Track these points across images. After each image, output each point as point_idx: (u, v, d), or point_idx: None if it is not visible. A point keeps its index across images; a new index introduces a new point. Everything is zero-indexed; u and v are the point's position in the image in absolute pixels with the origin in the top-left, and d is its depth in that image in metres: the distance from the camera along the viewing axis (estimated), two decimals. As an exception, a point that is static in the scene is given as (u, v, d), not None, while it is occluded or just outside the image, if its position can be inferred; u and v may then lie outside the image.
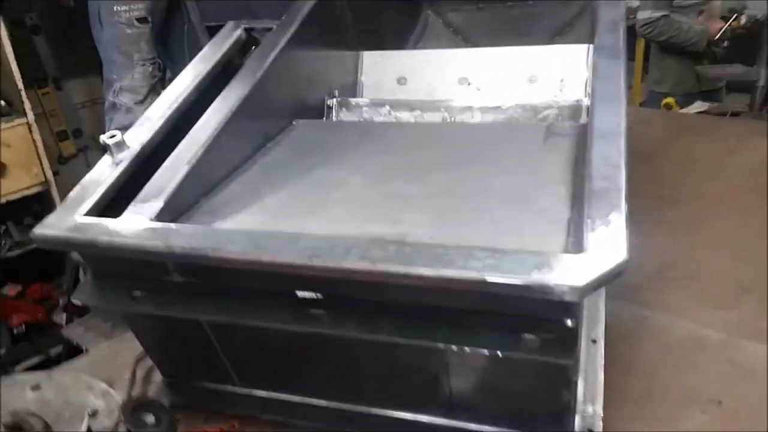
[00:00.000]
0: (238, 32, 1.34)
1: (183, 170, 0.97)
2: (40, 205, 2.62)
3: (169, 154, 1.03)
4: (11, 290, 2.57)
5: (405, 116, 1.43)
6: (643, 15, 3.11)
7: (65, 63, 3.05)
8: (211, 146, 1.03)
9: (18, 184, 2.46)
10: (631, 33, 3.94)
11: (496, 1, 2.14)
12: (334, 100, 1.49)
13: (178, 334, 0.97)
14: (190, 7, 1.96)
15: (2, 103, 2.45)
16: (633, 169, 2.08)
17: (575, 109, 1.31)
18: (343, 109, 1.49)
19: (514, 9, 2.15)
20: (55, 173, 2.62)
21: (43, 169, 2.53)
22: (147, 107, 2.16)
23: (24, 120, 2.46)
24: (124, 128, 2.19)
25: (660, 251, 1.50)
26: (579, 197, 0.85)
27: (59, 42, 2.99)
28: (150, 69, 2.18)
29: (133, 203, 0.92)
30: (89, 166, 2.97)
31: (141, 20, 2.13)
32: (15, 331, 2.45)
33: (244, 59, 1.33)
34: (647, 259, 1.48)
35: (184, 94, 1.16)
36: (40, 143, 2.50)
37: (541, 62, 1.51)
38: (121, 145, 1.03)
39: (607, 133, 0.84)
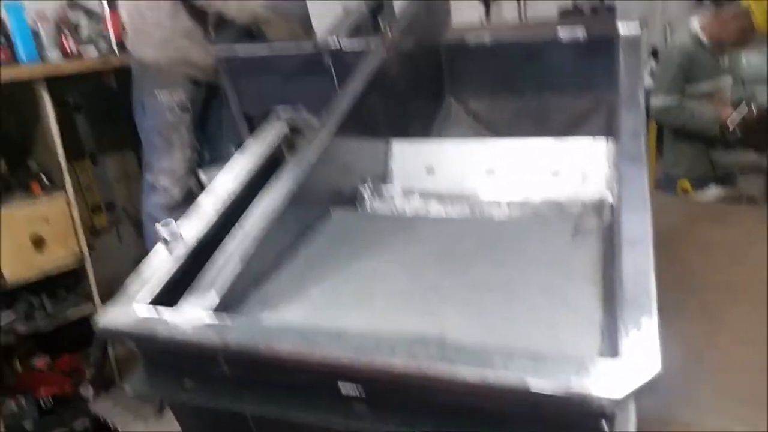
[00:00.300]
0: (281, 125, 1.43)
1: (236, 264, 1.03)
2: (73, 278, 2.70)
3: (218, 245, 1.10)
4: (40, 362, 2.61)
5: (434, 207, 1.49)
6: (656, 102, 3.23)
7: (102, 139, 3.21)
8: (261, 240, 1.10)
9: (54, 258, 2.54)
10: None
11: (515, 93, 2.25)
12: (367, 187, 1.57)
13: (221, 424, 1.00)
14: (230, 96, 2.09)
15: (44, 178, 2.58)
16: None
17: (599, 207, 1.37)
18: (376, 196, 1.56)
19: (531, 100, 2.26)
20: (89, 247, 2.71)
21: (79, 243, 2.62)
22: (182, 187, 2.30)
23: (63, 195, 2.57)
24: (161, 207, 2.32)
25: (685, 343, 1.52)
26: (610, 299, 0.90)
27: (98, 119, 3.15)
28: (188, 153, 2.31)
29: (188, 295, 0.97)
30: (120, 239, 3.08)
31: (181, 107, 2.27)
32: (42, 403, 2.48)
33: (288, 151, 1.43)
34: (673, 351, 1.51)
35: (233, 187, 1.24)
36: (77, 218, 2.60)
37: (564, 155, 1.58)
38: (176, 236, 1.09)
39: (635, 240, 0.90)
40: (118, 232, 3.36)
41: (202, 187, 2.27)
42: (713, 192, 2.92)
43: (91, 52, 2.57)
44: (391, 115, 1.79)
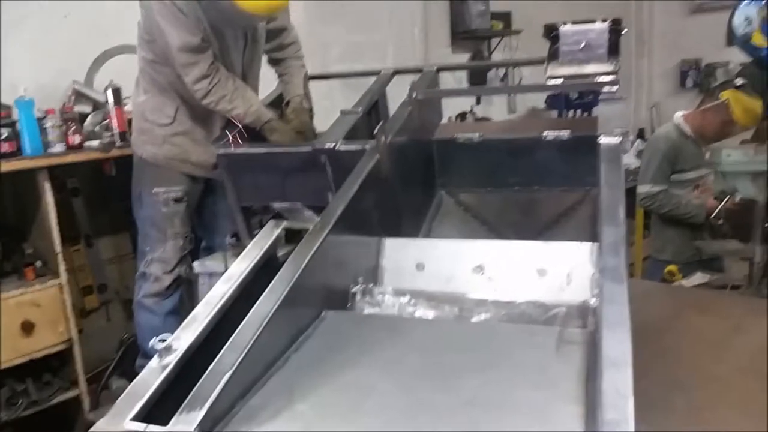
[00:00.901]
0: (278, 231, 1.48)
1: (225, 377, 1.05)
2: (59, 360, 2.69)
3: (213, 353, 1.12)
4: (17, 448, 2.56)
5: (424, 308, 1.52)
6: (642, 189, 3.33)
7: (98, 221, 3.25)
8: (252, 349, 1.12)
9: (43, 343, 2.54)
10: (630, 194, 4.20)
11: (504, 187, 2.33)
12: (359, 287, 1.60)
13: None
14: (228, 189, 2.15)
15: (39, 263, 2.61)
16: (640, 347, 2.14)
17: (583, 310, 1.41)
18: (367, 296, 1.60)
19: (520, 193, 2.34)
20: (79, 332, 2.71)
21: (68, 327, 2.63)
22: (174, 277, 2.34)
23: (57, 281, 2.59)
24: (151, 296, 2.35)
25: (673, 445, 1.53)
26: (592, 421, 0.93)
27: (95, 203, 3.21)
28: (181, 242, 2.36)
29: (178, 413, 0.99)
30: (110, 319, 3.08)
31: (177, 200, 2.34)
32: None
33: (284, 255, 1.47)
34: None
35: (228, 293, 1.28)
36: (69, 303, 2.61)
37: (550, 257, 1.63)
38: (169, 349, 1.12)
39: (615, 362, 0.93)
40: (108, 312, 3.35)
41: (192, 278, 2.31)
42: (699, 278, 2.97)
43: (93, 144, 2.65)
44: (384, 213, 1.85)
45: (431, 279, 1.69)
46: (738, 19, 2.48)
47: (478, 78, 5.05)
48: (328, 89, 3.33)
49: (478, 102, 5.12)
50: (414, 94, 2.07)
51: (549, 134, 2.16)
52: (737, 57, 3.68)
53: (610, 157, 1.53)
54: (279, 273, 1.28)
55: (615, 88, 1.83)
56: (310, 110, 2.43)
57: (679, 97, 6.75)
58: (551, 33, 1.92)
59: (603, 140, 1.59)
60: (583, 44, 1.85)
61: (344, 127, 2.02)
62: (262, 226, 2.44)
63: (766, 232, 2.64)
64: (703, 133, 3.32)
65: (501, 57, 5.22)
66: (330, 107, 3.38)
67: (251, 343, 1.13)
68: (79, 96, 2.89)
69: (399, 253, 1.76)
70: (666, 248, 3.42)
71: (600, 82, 1.86)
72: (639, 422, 0.85)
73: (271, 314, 1.19)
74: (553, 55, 1.93)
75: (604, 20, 1.84)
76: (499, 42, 5.23)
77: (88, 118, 2.81)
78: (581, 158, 2.09)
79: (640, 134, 6.66)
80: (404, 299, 1.57)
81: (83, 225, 3.23)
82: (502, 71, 5.21)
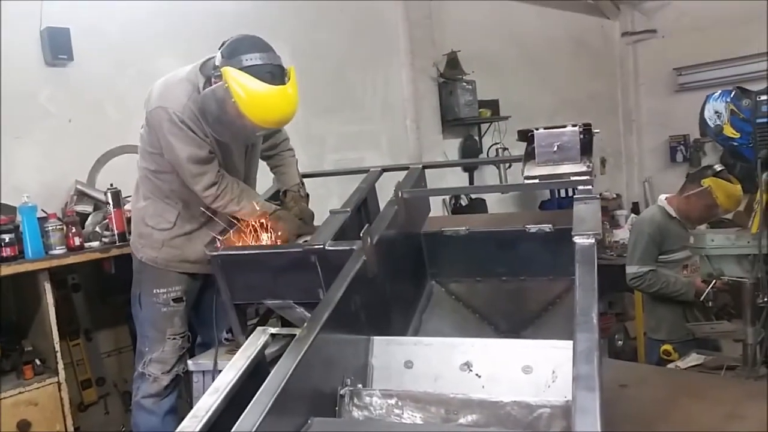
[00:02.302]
0: (265, 338, 1.53)
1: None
2: (53, 458, 2.66)
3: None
4: None
5: (411, 410, 1.55)
6: (630, 270, 3.39)
7: (97, 316, 3.29)
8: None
9: (39, 442, 2.53)
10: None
11: (492, 276, 2.39)
12: (347, 390, 1.63)
13: None
14: (221, 287, 2.21)
15: (38, 361, 2.63)
16: (635, 438, 2.11)
17: (567, 410, 1.43)
18: (355, 399, 1.62)
19: (508, 283, 2.40)
20: (76, 429, 2.71)
21: (65, 425, 2.62)
22: (172, 377, 2.36)
23: (55, 379, 2.61)
24: (150, 396, 2.36)
25: None
26: None
27: (94, 297, 3.26)
28: (179, 342, 2.40)
29: None
30: (108, 412, 3.06)
31: (176, 300, 2.40)
32: None
33: (271, 362, 1.51)
34: None
35: (215, 405, 1.31)
36: (66, 401, 2.62)
37: (535, 355, 1.67)
38: (157, 466, 1.15)
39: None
40: (106, 405, 3.33)
41: (188, 375, 2.34)
42: (694, 359, 2.97)
43: (93, 245, 2.74)
44: (373, 310, 1.89)
45: (419, 377, 1.73)
46: (708, 113, 2.60)
47: (470, 157, 5.21)
48: (324, 178, 3.45)
49: (471, 181, 5.27)
50: (400, 194, 2.16)
51: (532, 227, 2.25)
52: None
53: (584, 258, 1.59)
54: (264, 383, 1.32)
55: (589, 186, 1.91)
56: (306, 196, 2.56)
57: (670, 171, 6.92)
58: (527, 135, 2.04)
59: (577, 241, 1.66)
60: (556, 147, 1.95)
61: (333, 227, 2.11)
62: (258, 314, 2.50)
63: (756, 313, 2.67)
64: (688, 217, 3.42)
65: (491, 140, 5.41)
66: (326, 194, 3.52)
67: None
68: (81, 195, 3.00)
69: (387, 352, 1.80)
70: (660, 327, 3.45)
71: (574, 181, 1.95)
72: None
73: (257, 425, 1.22)
74: (529, 155, 2.03)
75: (574, 125, 1.96)
76: (488, 128, 5.43)
77: (89, 218, 2.91)
78: (565, 249, 2.15)
79: (634, 209, 6.77)
80: (391, 401, 1.60)
81: (83, 319, 3.27)
82: (492, 151, 5.38)
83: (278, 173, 2.63)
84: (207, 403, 1.31)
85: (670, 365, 2.98)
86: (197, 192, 2.25)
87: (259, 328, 1.58)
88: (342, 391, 1.62)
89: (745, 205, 3.31)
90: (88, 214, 2.93)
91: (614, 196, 6.56)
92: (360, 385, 1.66)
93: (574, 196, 1.93)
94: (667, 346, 3.21)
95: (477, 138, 5.34)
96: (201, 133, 2.21)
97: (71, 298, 3.17)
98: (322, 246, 1.98)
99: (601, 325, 4.72)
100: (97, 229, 2.84)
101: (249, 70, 2.01)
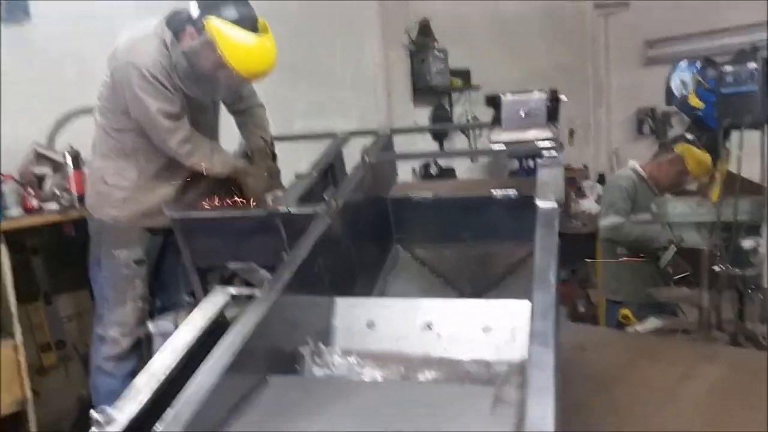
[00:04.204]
0: (224, 297, 1.51)
1: (165, 450, 1.07)
2: (14, 422, 2.63)
3: (151, 427, 1.13)
4: None
5: (371, 368, 1.56)
6: (606, 222, 3.44)
7: (57, 279, 3.22)
8: (193, 420, 1.14)
9: (-5, 404, 2.49)
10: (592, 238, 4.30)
11: (458, 242, 2.40)
12: (307, 349, 1.63)
13: None
14: (183, 250, 2.18)
15: (-7, 325, 2.58)
16: (590, 400, 2.18)
17: (523, 367, 1.44)
18: (315, 357, 1.62)
19: (473, 248, 2.41)
20: (34, 391, 2.67)
21: (23, 388, 2.58)
22: (132, 339, 2.34)
23: (12, 342, 2.56)
24: (110, 359, 2.34)
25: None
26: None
27: (54, 261, 3.19)
28: (140, 304, 2.36)
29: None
30: (68, 376, 3.02)
31: (138, 262, 2.35)
32: None
33: (230, 322, 1.50)
34: None
35: (173, 363, 1.30)
36: (24, 364, 2.58)
37: (495, 314, 1.69)
38: (110, 421, 1.13)
39: (538, 428, 0.98)
40: (66, 370, 3.29)
41: (149, 338, 2.31)
42: (652, 323, 3.05)
43: (52, 207, 2.66)
44: (337, 273, 1.89)
45: (382, 337, 1.73)
46: (674, 83, 2.64)
47: (441, 135, 5.19)
48: (292, 144, 3.40)
49: (441, 146, 5.25)
50: (366, 158, 2.14)
51: (498, 193, 2.26)
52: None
53: (545, 221, 1.61)
54: (221, 341, 1.31)
55: (554, 152, 1.92)
56: (273, 153, 2.53)
57: (637, 143, 7.00)
58: (494, 101, 2.03)
59: (539, 204, 1.67)
60: (523, 113, 1.95)
61: (298, 190, 2.09)
62: (222, 279, 2.48)
63: (712, 279, 2.74)
64: (658, 183, 3.49)
65: (462, 110, 5.39)
66: (294, 160, 3.45)
67: (192, 416, 1.15)
68: (40, 157, 2.91)
69: (350, 313, 1.80)
70: (620, 289, 3.52)
71: (540, 148, 1.95)
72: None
73: (213, 385, 1.21)
74: (496, 121, 2.03)
75: (541, 90, 1.96)
76: (459, 97, 5.41)
77: (48, 180, 2.82)
78: (530, 215, 2.18)
79: (601, 180, 6.85)
80: (352, 359, 1.60)
81: (42, 283, 3.20)
82: (463, 121, 5.37)
83: (246, 131, 2.58)
84: (162, 360, 1.30)
85: (628, 329, 3.06)
86: (171, 148, 2.22)
87: (218, 287, 1.57)
88: (302, 351, 1.63)
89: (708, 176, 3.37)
90: (46, 177, 2.85)
91: (581, 167, 6.63)
92: (321, 344, 1.67)
93: (539, 161, 1.93)
94: (626, 311, 3.30)
95: (448, 107, 5.31)
96: (172, 89, 2.17)
97: (30, 261, 3.10)
98: (286, 209, 1.96)
99: (564, 292, 4.83)
100: (56, 191, 2.76)
101: (233, 21, 2.00)
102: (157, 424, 1.13)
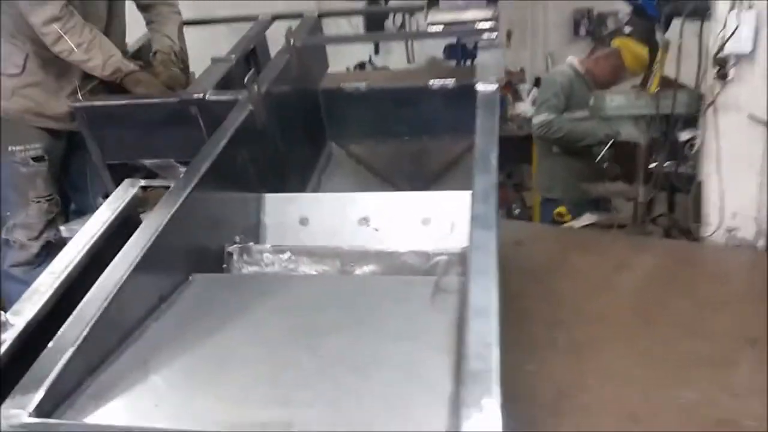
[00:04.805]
0: (134, 190, 1.35)
1: (67, 352, 0.95)
2: None
3: (58, 327, 1.01)
4: None
5: (305, 264, 1.46)
6: (538, 118, 3.38)
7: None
8: (100, 320, 1.02)
9: None
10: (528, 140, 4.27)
11: (394, 137, 2.28)
12: (235, 247, 1.51)
13: None
14: (91, 146, 1.96)
15: None
16: (526, 289, 2.17)
17: (463, 257, 1.38)
18: (245, 255, 1.51)
19: (410, 143, 2.30)
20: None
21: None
22: (41, 243, 2.14)
23: None
24: (19, 264, 2.14)
25: (553, 380, 1.58)
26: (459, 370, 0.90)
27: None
28: (46, 206, 2.13)
29: (11, 396, 0.88)
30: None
31: (37, 159, 2.10)
32: None
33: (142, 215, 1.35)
34: (541, 390, 1.56)
35: (76, 260, 1.15)
36: None
37: (434, 206, 1.60)
38: (4, 325, 1.00)
39: (481, 310, 0.91)
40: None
41: (63, 242, 2.11)
42: (587, 218, 3.07)
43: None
44: (265, 168, 1.74)
45: (316, 234, 1.63)
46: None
47: (376, 25, 4.94)
48: (212, 36, 3.10)
49: (377, 52, 5.02)
50: (292, 41, 1.95)
51: (435, 83, 2.12)
52: (626, 7, 3.80)
53: (486, 104, 1.51)
54: (133, 236, 1.17)
55: (495, 34, 1.79)
56: (184, 62, 2.24)
57: (573, 45, 6.90)
58: (430, -22, 1.86)
59: (479, 87, 1.57)
60: (462, -10, 1.80)
61: (215, 76, 1.89)
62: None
63: (648, 173, 2.74)
64: (595, 79, 3.42)
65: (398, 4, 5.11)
66: (215, 53, 3.18)
67: (98, 314, 1.03)
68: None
69: (281, 210, 1.68)
70: (554, 186, 3.52)
71: (479, 29, 1.82)
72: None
73: (122, 282, 1.08)
74: (432, 1, 1.86)
75: (481, -35, 1.80)
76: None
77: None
78: (468, 107, 2.07)
79: (537, 82, 6.80)
80: (284, 256, 1.50)
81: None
82: (399, 19, 5.11)
83: (152, 30, 2.29)
84: (66, 258, 1.15)
85: (564, 226, 3.08)
86: (35, 27, 1.90)
87: (127, 180, 1.40)
88: (230, 249, 1.50)
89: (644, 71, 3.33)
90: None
91: (518, 69, 6.53)
92: (251, 243, 1.55)
93: (479, 44, 1.80)
94: (561, 208, 3.32)
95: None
96: None
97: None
98: (202, 96, 1.77)
99: (500, 195, 4.85)
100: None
101: None
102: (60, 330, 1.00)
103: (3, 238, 2.14)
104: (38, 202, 2.10)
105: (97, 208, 2.10)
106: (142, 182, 1.40)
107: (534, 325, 1.80)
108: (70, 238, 2.00)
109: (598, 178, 3.22)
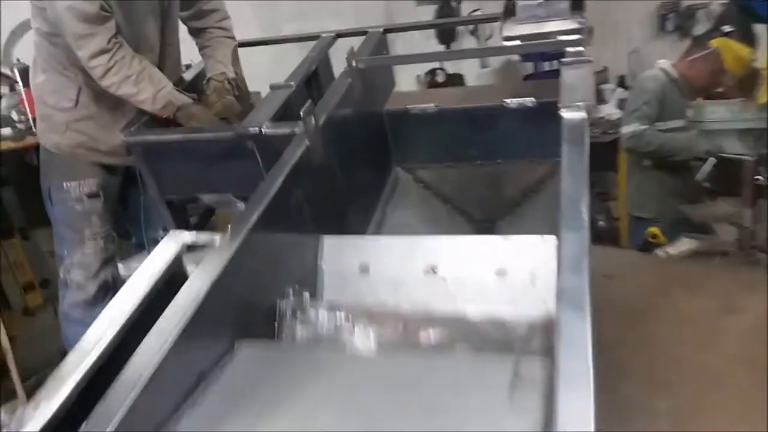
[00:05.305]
0: (175, 247, 1.23)
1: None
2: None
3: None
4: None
5: (363, 326, 1.30)
6: (627, 129, 3.06)
7: (32, 213, 2.96)
8: (133, 409, 0.89)
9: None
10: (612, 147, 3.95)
11: (466, 160, 2.09)
12: (288, 302, 1.37)
13: None
14: (147, 181, 1.88)
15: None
16: (620, 337, 1.91)
17: (548, 327, 1.18)
18: (297, 312, 1.36)
19: (483, 167, 2.10)
20: (11, 338, 2.48)
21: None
22: (99, 282, 2.08)
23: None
24: (77, 306, 2.09)
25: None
26: None
27: (26, 193, 2.92)
28: (102, 243, 2.06)
29: None
30: (58, 317, 2.81)
31: (92, 195, 2.04)
32: None
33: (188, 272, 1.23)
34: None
35: (108, 339, 1.04)
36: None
37: (512, 253, 1.41)
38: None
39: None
40: (55, 309, 3.10)
41: (119, 281, 2.04)
42: (686, 243, 2.76)
43: (6, 132, 2.34)
44: (322, 205, 1.60)
45: (377, 284, 1.47)
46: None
47: (447, 33, 4.72)
48: (281, 53, 3.00)
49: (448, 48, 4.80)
50: (354, 63, 1.79)
51: (511, 102, 1.92)
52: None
53: (573, 136, 1.29)
54: (167, 310, 1.04)
55: (580, 48, 1.56)
56: (240, 88, 2.10)
57: (659, 41, 6.45)
58: (506, -14, 1.65)
59: (564, 114, 1.35)
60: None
61: (273, 105, 1.75)
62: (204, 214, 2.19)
63: (756, 194, 2.43)
64: (691, 83, 3.07)
65: (471, 7, 4.88)
66: (285, 74, 3.09)
67: (131, 402, 0.90)
68: (-8, 75, 2.58)
69: (340, 254, 1.52)
70: (647, 204, 3.20)
71: (563, 41, 1.59)
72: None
73: (154, 368, 0.95)
74: (508, 12, 1.65)
75: (563, -27, 1.57)
76: (469, -7, 4.89)
77: (3, 101, 2.49)
78: (549, 126, 1.85)
79: (621, 82, 6.39)
80: (341, 315, 1.34)
81: (16, 217, 2.96)
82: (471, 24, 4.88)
83: (204, 56, 2.17)
84: (95, 333, 1.04)
85: (658, 250, 2.78)
86: (82, 60, 1.81)
87: (172, 231, 1.28)
88: (283, 305, 1.36)
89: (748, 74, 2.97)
90: (2, 97, 2.52)
91: (601, 68, 6.14)
92: (307, 294, 1.40)
93: (562, 60, 1.58)
94: (654, 229, 2.99)
95: (455, 3, 4.78)
96: None
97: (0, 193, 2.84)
98: (258, 130, 1.64)
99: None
100: (13, 114, 2.43)
101: None
102: (84, 423, 0.89)
103: (61, 279, 2.09)
104: (94, 239, 2.04)
105: (157, 242, 2.04)
106: (186, 237, 1.27)
107: (631, 386, 1.57)
108: (128, 276, 1.94)
109: (695, 197, 2.90)
